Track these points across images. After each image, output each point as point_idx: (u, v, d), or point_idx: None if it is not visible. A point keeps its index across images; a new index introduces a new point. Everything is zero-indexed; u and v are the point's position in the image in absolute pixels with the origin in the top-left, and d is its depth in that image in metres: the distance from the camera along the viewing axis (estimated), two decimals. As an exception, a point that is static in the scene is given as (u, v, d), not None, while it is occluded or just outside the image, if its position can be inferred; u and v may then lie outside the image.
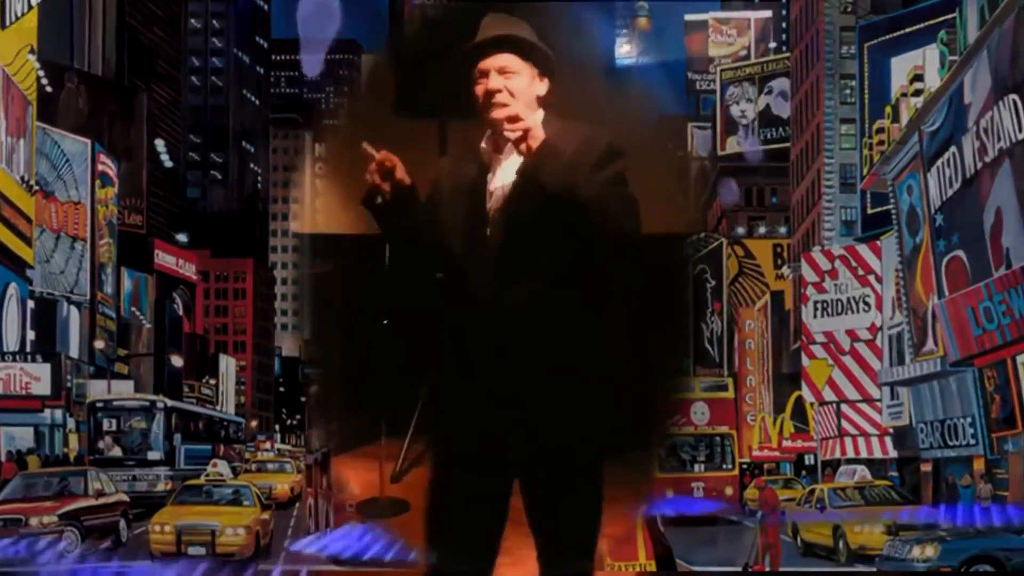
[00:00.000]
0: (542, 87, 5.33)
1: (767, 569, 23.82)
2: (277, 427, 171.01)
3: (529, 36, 5.30)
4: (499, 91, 5.22)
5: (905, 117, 45.38)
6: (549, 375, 5.24)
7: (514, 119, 5.12)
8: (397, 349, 5.64)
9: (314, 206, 6.22)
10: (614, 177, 5.19)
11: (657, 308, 5.94)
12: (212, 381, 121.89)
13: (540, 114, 5.29)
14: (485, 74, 5.25)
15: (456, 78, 5.35)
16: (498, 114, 5.18)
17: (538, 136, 5.11)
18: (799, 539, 30.97)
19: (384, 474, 5.91)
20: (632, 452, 6.30)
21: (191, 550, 24.68)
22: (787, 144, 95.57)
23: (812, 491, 32.59)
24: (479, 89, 5.27)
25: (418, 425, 5.76)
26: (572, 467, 5.39)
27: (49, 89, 67.41)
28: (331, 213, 6.05)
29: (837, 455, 53.14)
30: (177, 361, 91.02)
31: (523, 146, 5.12)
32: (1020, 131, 30.71)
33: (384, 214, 5.36)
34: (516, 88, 5.24)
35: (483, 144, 5.38)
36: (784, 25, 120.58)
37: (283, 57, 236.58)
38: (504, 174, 5.35)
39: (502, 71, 5.25)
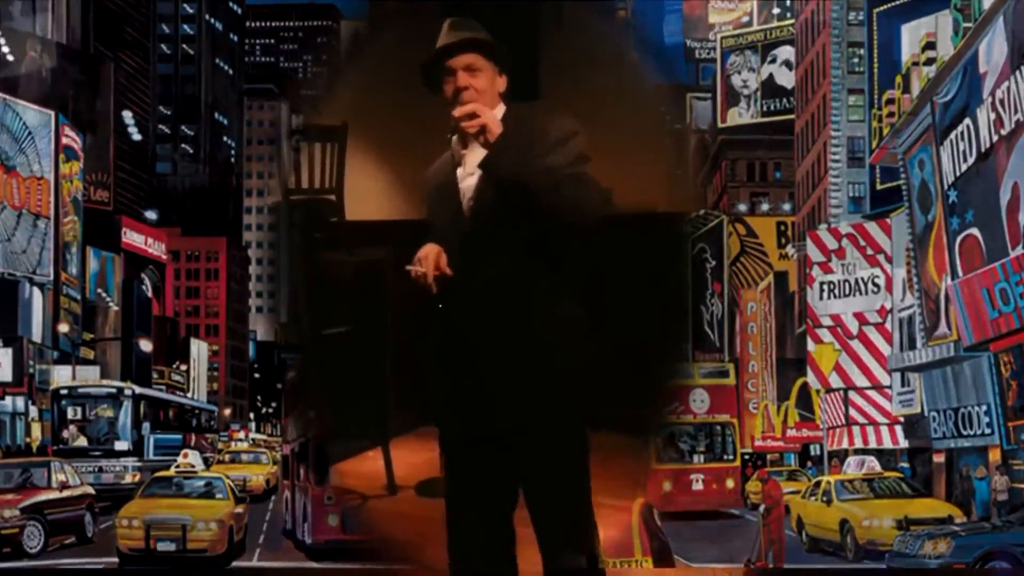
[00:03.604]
0: (502, 83, 5.99)
1: (770, 566, 23.85)
2: (252, 415, 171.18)
3: (489, 38, 5.96)
4: (465, 88, 5.86)
5: (916, 87, 45.29)
6: (520, 357, 5.80)
7: (472, 115, 5.72)
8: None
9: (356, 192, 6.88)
10: (571, 160, 5.75)
11: (653, 289, 5.98)
12: (183, 367, 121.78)
13: (501, 108, 5.92)
14: (453, 72, 5.89)
15: (427, 76, 5.98)
16: (458, 112, 5.77)
17: (495, 130, 5.71)
18: (804, 534, 31.00)
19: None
20: (627, 441, 6.30)
21: (160, 546, 24.65)
22: (791, 116, 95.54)
23: (818, 483, 32.60)
24: (448, 87, 5.91)
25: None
26: (555, 437, 5.86)
27: (11, 57, 67.40)
28: (379, 199, 6.77)
29: (844, 445, 53.21)
30: (146, 346, 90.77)
31: (482, 139, 5.73)
32: (1038, 102, 30.73)
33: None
34: (480, 85, 5.89)
35: (453, 140, 5.97)
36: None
37: (258, 24, 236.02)
38: (471, 167, 5.94)
39: (468, 69, 5.88)
